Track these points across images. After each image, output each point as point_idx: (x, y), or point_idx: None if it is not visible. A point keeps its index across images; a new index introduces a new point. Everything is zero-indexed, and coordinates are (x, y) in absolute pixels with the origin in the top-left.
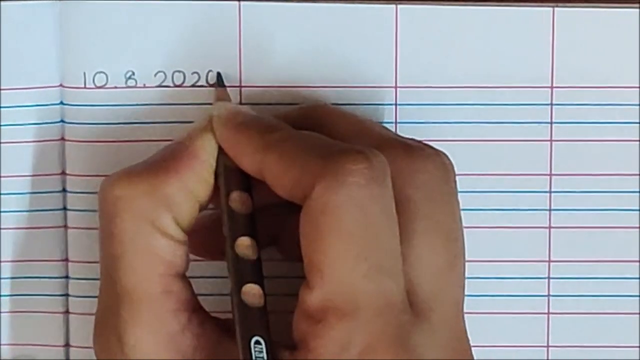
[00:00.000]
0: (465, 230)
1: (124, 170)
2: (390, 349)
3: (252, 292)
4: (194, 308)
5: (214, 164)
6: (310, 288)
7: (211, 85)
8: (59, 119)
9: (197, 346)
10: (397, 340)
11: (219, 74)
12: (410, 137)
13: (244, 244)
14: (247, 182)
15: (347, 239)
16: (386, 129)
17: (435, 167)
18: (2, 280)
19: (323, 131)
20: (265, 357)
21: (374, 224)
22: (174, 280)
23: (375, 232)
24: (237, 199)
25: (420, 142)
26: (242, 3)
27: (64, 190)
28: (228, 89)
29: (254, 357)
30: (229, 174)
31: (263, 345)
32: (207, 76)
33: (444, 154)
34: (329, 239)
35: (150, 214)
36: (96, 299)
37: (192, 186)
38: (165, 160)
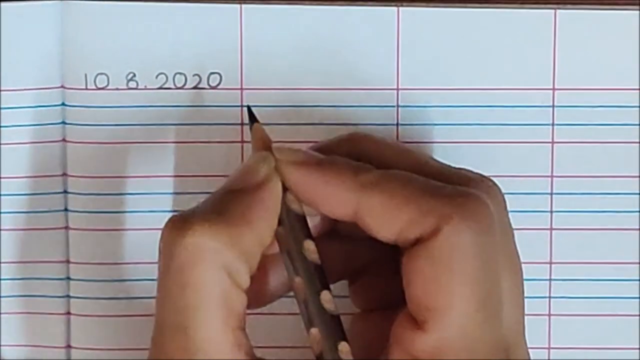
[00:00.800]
0: None
1: (200, 216)
2: None
3: (345, 349)
4: None
5: (279, 211)
6: (423, 330)
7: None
8: (60, 120)
9: None
10: None
11: (249, 109)
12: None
13: (328, 298)
14: (309, 230)
15: (473, 283)
16: (433, 159)
17: (499, 200)
18: (3, 282)
19: (370, 162)
20: None
21: (494, 270)
22: (242, 332)
23: (495, 278)
24: (311, 249)
25: (469, 170)
26: (243, 5)
27: (65, 191)
28: (230, 91)
29: None
30: (297, 221)
31: None
32: (208, 78)
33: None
34: (454, 282)
35: (230, 266)
36: (97, 300)
37: (264, 236)
38: (240, 210)
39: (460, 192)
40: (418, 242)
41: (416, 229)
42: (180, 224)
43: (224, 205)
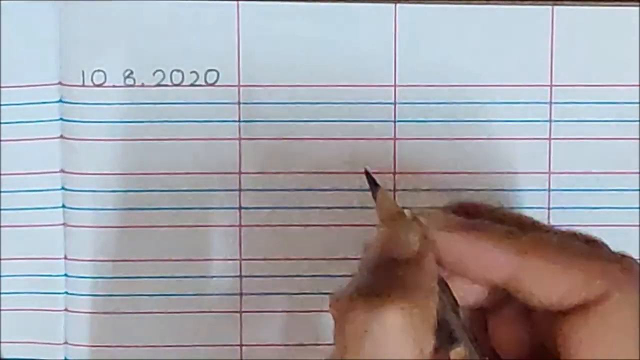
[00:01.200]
0: None
1: (387, 291)
2: None
3: None
4: None
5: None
6: None
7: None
8: (57, 117)
9: None
10: None
11: (367, 173)
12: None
13: None
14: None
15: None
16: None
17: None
18: (1, 278)
19: None
20: None
21: None
22: None
23: None
24: (464, 317)
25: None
26: (240, 2)
27: (62, 188)
28: (227, 88)
29: None
30: (447, 288)
31: None
32: (205, 75)
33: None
34: (632, 347)
35: (423, 341)
36: (95, 297)
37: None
38: (418, 283)
39: (619, 257)
40: (582, 306)
41: (582, 293)
42: (371, 300)
43: (399, 279)
